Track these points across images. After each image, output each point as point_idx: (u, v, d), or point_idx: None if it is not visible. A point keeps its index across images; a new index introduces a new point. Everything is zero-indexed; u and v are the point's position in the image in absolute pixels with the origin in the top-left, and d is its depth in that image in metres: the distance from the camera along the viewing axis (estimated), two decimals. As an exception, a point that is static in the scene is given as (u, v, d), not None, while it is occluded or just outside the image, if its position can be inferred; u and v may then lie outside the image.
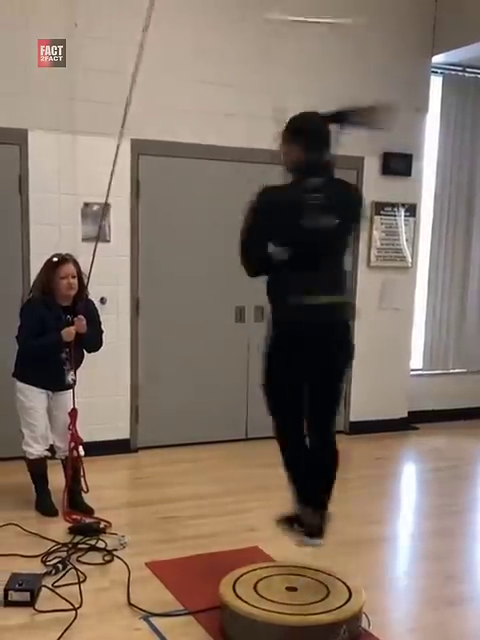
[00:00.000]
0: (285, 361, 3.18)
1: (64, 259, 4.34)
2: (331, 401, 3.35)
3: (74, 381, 4.44)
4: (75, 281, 4.33)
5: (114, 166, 4.29)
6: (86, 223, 5.37)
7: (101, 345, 4.54)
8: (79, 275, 4.36)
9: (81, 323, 4.32)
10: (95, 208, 5.29)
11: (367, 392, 6.53)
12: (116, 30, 5.21)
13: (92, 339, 4.46)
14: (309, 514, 3.36)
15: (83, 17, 5.19)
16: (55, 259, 4.34)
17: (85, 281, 4.39)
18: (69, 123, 5.26)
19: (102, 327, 4.54)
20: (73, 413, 4.40)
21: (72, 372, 4.43)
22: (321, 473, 3.40)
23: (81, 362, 4.52)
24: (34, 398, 4.39)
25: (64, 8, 5.13)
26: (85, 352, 4.52)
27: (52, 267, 4.32)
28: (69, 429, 4.40)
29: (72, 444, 4.40)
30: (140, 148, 5.50)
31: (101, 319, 4.56)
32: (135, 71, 4.03)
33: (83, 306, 4.36)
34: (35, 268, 4.57)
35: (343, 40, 5.96)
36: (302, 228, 3.04)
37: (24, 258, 5.25)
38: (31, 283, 4.56)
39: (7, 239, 5.25)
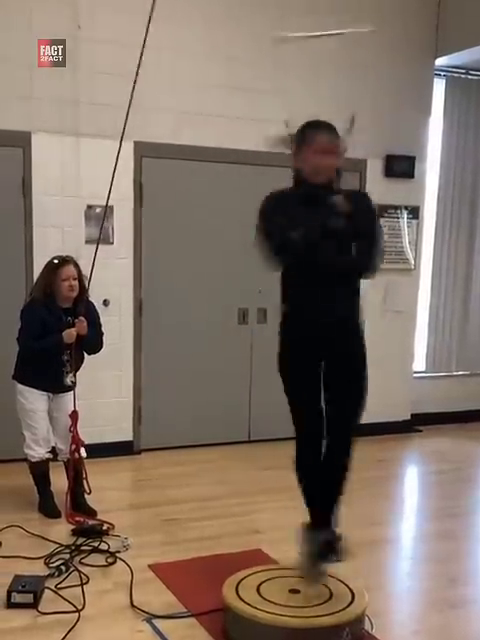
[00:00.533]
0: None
1: (65, 261, 4.34)
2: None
3: (74, 383, 4.44)
4: (76, 283, 4.33)
5: (115, 168, 4.29)
6: (89, 225, 5.38)
7: (101, 347, 4.55)
8: (80, 277, 4.36)
9: (82, 325, 4.32)
10: (98, 210, 5.29)
11: (370, 394, 6.44)
12: (120, 32, 5.21)
13: (92, 341, 4.46)
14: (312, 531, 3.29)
15: (86, 19, 5.20)
16: (56, 261, 4.35)
17: (86, 283, 4.39)
18: (72, 125, 5.28)
19: (102, 329, 4.55)
20: (73, 415, 4.39)
21: (72, 374, 4.43)
22: (324, 487, 3.32)
23: (81, 364, 4.52)
24: (35, 400, 4.39)
25: (68, 10, 5.15)
26: (85, 354, 4.52)
27: (53, 269, 4.32)
28: (70, 431, 4.39)
29: (73, 446, 4.40)
30: (143, 150, 5.51)
31: (101, 321, 4.57)
32: (137, 73, 4.03)
33: (84, 308, 4.37)
34: (38, 270, 4.57)
35: (347, 43, 5.95)
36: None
37: (27, 260, 5.26)
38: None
39: (11, 241, 5.26)
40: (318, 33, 4.12)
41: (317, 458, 3.25)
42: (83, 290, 4.38)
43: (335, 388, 3.24)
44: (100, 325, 4.53)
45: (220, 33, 5.62)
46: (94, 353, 4.54)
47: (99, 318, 4.55)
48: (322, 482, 3.29)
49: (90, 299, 4.48)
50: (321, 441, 3.24)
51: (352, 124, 3.20)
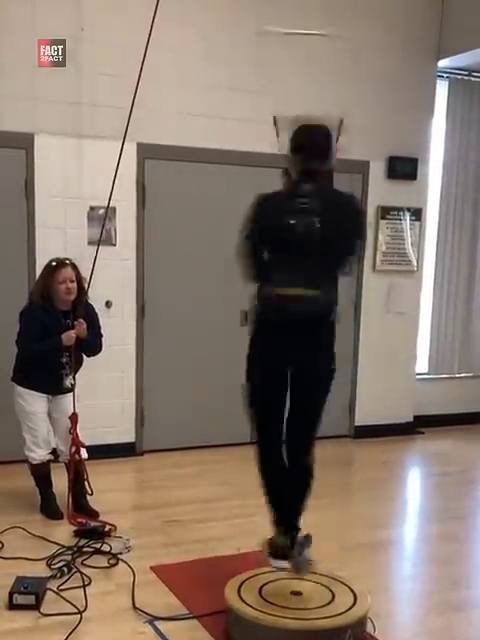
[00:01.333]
0: (262, 351, 3.38)
1: (62, 263, 4.32)
2: (301, 408, 3.28)
3: (74, 385, 4.44)
4: (74, 285, 4.31)
5: (117, 170, 4.29)
6: (92, 226, 5.37)
7: (100, 349, 4.54)
8: (78, 279, 4.34)
9: (82, 327, 4.31)
10: (101, 212, 5.28)
11: (372, 396, 6.52)
12: (122, 34, 5.22)
13: (92, 343, 4.45)
14: (278, 535, 3.31)
15: (90, 21, 5.20)
16: (53, 263, 4.34)
17: (85, 285, 4.39)
18: (75, 127, 5.28)
19: (101, 331, 4.54)
20: (73, 417, 4.39)
21: (72, 376, 4.43)
22: (291, 492, 3.34)
23: (80, 366, 4.51)
24: (34, 402, 4.38)
25: (71, 12, 5.15)
26: (84, 356, 4.52)
27: (50, 272, 4.31)
28: (70, 433, 4.39)
29: (73, 448, 4.39)
30: (146, 152, 5.51)
31: (102, 323, 4.57)
32: (139, 75, 4.04)
33: (83, 310, 4.36)
34: (40, 271, 4.57)
35: (350, 45, 5.96)
36: (282, 227, 3.18)
37: (30, 262, 5.26)
38: (37, 287, 4.56)
39: (13, 243, 5.26)
40: (299, 31, 4.19)
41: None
42: (82, 292, 4.37)
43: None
44: (99, 327, 4.53)
45: (222, 34, 5.62)
46: (93, 355, 4.53)
47: (98, 320, 4.54)
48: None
49: (90, 301, 4.47)
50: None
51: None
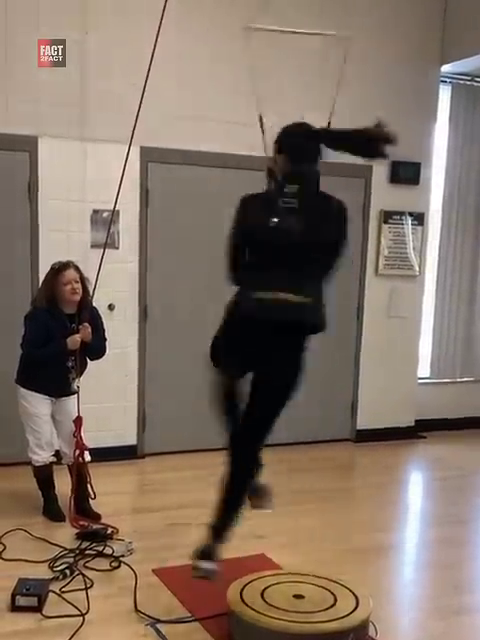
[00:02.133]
0: (228, 347, 3.45)
1: (65, 265, 4.34)
2: (257, 410, 3.36)
3: (78, 388, 4.44)
4: (79, 285, 4.32)
5: (123, 173, 4.30)
6: (95, 230, 5.39)
7: (104, 353, 4.55)
8: (82, 280, 4.36)
9: (86, 331, 4.32)
10: (105, 215, 5.31)
11: (374, 400, 6.52)
12: (126, 37, 5.24)
13: (96, 347, 4.46)
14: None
15: (95, 24, 5.22)
16: (56, 266, 4.35)
17: (89, 287, 4.40)
18: (79, 130, 5.29)
19: (105, 334, 4.55)
20: (77, 421, 4.41)
21: (77, 379, 4.44)
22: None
23: (84, 369, 4.53)
24: (38, 404, 4.39)
25: (75, 15, 5.16)
26: (88, 359, 4.53)
27: (54, 275, 4.32)
28: (74, 436, 4.40)
29: (77, 451, 4.40)
30: (149, 155, 5.53)
31: (105, 326, 4.58)
32: (146, 79, 4.05)
33: (88, 314, 4.37)
34: (44, 274, 4.58)
35: (353, 50, 5.97)
36: (267, 227, 3.12)
37: (33, 264, 5.27)
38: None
39: (17, 245, 5.27)
40: (289, 29, 4.23)
41: None
42: (86, 294, 4.39)
43: None
44: (104, 330, 4.54)
45: (224, 38, 5.63)
46: (98, 358, 4.54)
47: (102, 324, 4.55)
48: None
49: (94, 305, 4.49)
50: None
51: (261, 124, 3.43)
